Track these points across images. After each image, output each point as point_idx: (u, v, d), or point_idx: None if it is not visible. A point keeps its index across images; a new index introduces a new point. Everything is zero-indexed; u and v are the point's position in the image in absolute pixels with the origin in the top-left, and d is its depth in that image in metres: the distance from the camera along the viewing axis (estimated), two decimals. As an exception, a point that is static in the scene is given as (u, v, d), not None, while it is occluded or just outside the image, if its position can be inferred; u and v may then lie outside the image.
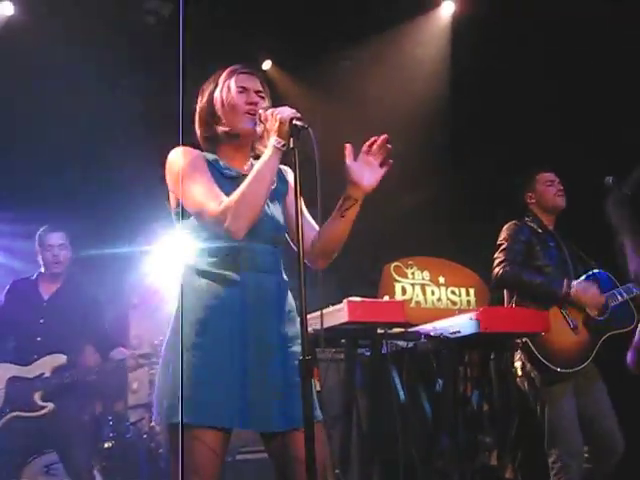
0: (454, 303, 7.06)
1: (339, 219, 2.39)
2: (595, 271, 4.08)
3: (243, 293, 2.31)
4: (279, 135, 2.29)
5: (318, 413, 2.34)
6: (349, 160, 2.35)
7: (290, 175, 2.55)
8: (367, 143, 2.37)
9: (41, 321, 4.44)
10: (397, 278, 6.79)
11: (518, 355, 3.94)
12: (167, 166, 2.41)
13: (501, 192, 5.07)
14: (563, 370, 3.78)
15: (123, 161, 5.65)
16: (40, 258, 4.61)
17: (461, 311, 4.24)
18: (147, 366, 4.55)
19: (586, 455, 3.82)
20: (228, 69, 2.52)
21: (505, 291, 4.15)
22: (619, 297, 3.99)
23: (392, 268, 6.80)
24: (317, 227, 2.48)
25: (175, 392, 2.20)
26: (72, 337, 4.43)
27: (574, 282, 3.90)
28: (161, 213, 5.50)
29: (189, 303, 2.33)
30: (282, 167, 2.52)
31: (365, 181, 2.34)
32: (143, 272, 6.15)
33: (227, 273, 2.33)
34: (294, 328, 2.36)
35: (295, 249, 2.27)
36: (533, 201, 4.24)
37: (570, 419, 3.78)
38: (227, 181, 2.39)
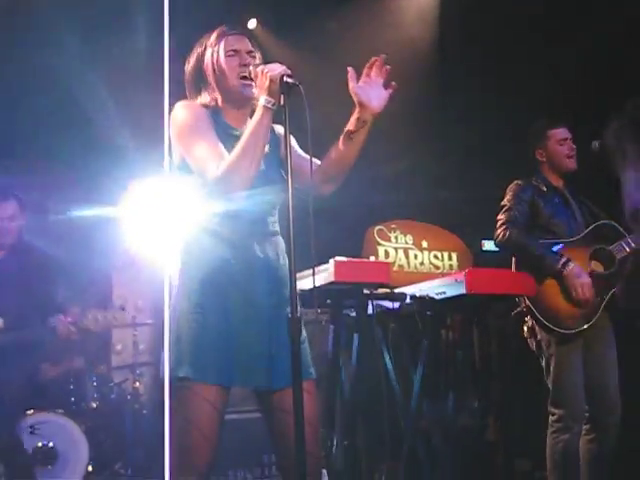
0: (437, 267, 7.09)
1: (347, 141, 2.38)
2: (602, 222, 3.94)
3: (246, 253, 2.33)
4: (269, 93, 2.27)
5: (312, 371, 2.39)
6: (352, 83, 2.33)
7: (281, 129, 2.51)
8: (367, 65, 2.36)
9: None
10: (380, 242, 6.80)
11: (527, 316, 3.89)
12: (171, 119, 2.39)
13: (489, 159, 5.07)
14: (567, 331, 3.71)
15: (105, 119, 5.57)
16: None
17: (445, 274, 4.23)
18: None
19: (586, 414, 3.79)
20: (216, 31, 2.47)
21: None
22: (627, 248, 3.83)
23: (375, 231, 6.80)
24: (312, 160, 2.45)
25: (177, 349, 2.27)
26: (13, 303, 4.31)
27: (571, 263, 3.75)
28: (144, 172, 5.50)
29: (193, 260, 2.36)
30: (275, 126, 2.49)
31: (373, 101, 2.34)
32: (124, 234, 6.13)
33: (231, 234, 2.35)
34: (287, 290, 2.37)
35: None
36: (543, 159, 4.07)
37: (576, 381, 3.72)
38: (231, 139, 2.37)
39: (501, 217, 3.93)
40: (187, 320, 2.30)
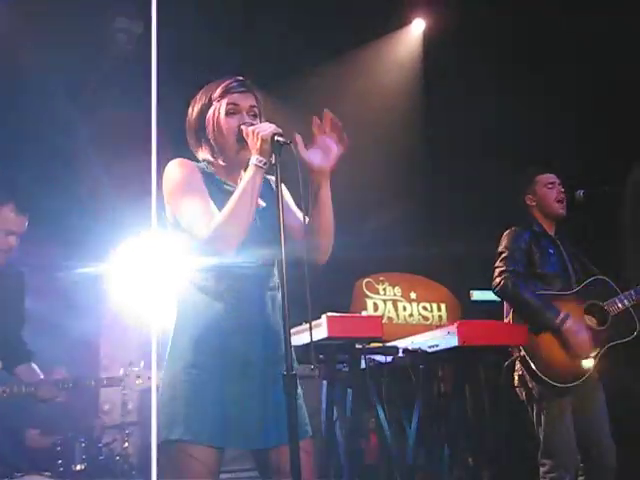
0: (426, 318, 7.10)
1: (315, 206, 2.38)
2: (595, 277, 3.95)
3: (238, 312, 2.31)
4: (260, 153, 2.28)
5: (308, 429, 2.36)
6: (300, 149, 2.32)
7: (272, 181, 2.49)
8: (315, 126, 2.36)
9: None
10: (369, 294, 6.82)
11: (517, 365, 3.87)
12: (164, 177, 2.39)
13: (475, 208, 5.11)
14: (560, 385, 3.70)
15: (94, 177, 5.60)
16: None
17: (437, 326, 4.23)
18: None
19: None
20: (222, 85, 2.46)
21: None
22: (619, 304, 3.85)
23: (364, 284, 6.82)
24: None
25: (170, 409, 2.23)
26: None
27: (570, 319, 3.75)
28: (133, 229, 5.50)
29: (186, 319, 2.34)
30: (270, 178, 2.49)
31: (318, 162, 2.34)
32: (112, 292, 6.10)
33: (223, 291, 2.33)
34: (283, 346, 2.34)
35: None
36: (533, 204, 4.09)
37: (567, 431, 3.70)
38: (225, 195, 2.36)
39: (499, 265, 3.92)
40: (181, 380, 2.27)
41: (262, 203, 2.40)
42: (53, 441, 5.43)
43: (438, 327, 3.97)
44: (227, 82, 2.47)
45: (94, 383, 4.10)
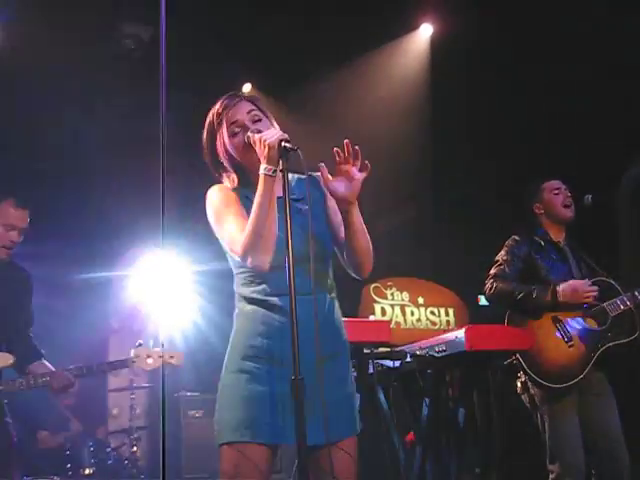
0: (434, 323, 7.09)
1: (347, 231, 2.45)
2: (600, 279, 3.92)
3: (284, 317, 2.35)
4: (268, 161, 2.31)
5: (354, 426, 2.43)
6: (325, 179, 2.39)
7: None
8: (337, 160, 2.40)
9: None
10: (377, 299, 6.81)
11: (520, 372, 3.88)
12: (206, 205, 2.51)
13: (483, 211, 5.11)
14: (557, 386, 3.70)
15: (104, 186, 5.63)
16: None
17: (445, 331, 4.23)
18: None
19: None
20: (216, 107, 2.52)
21: None
22: (621, 305, 3.82)
23: (371, 289, 6.81)
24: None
25: (223, 414, 2.36)
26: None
27: (559, 287, 3.78)
28: (140, 238, 5.52)
29: (241, 327, 2.45)
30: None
31: (346, 192, 2.38)
32: (122, 297, 6.12)
33: (269, 299, 2.40)
34: (334, 346, 2.44)
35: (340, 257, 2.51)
36: (541, 212, 4.09)
37: (572, 435, 3.69)
38: None
39: (492, 271, 3.96)
40: (231, 385, 2.38)
41: (302, 206, 2.43)
42: (62, 440, 5.46)
43: (445, 332, 3.97)
44: (220, 103, 2.53)
45: (107, 366, 4.13)
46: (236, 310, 2.50)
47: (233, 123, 2.48)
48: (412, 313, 6.95)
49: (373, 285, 6.76)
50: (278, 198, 2.36)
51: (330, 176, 2.39)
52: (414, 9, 6.10)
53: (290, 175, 2.50)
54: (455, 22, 5.94)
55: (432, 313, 7.06)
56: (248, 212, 2.38)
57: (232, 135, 2.48)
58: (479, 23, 5.56)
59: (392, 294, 6.88)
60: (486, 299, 4.00)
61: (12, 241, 3.88)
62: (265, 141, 2.31)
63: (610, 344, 3.80)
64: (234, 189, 2.52)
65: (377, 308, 6.81)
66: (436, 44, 6.35)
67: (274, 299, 2.39)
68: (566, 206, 4.05)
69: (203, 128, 2.58)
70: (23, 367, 3.87)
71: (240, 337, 2.44)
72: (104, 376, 5.88)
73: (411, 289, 6.91)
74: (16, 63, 5.31)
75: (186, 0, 4.66)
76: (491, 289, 3.89)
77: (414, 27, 6.38)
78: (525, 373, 3.79)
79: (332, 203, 2.51)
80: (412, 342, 4.16)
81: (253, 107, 2.52)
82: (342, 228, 2.48)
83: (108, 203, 5.71)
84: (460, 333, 3.73)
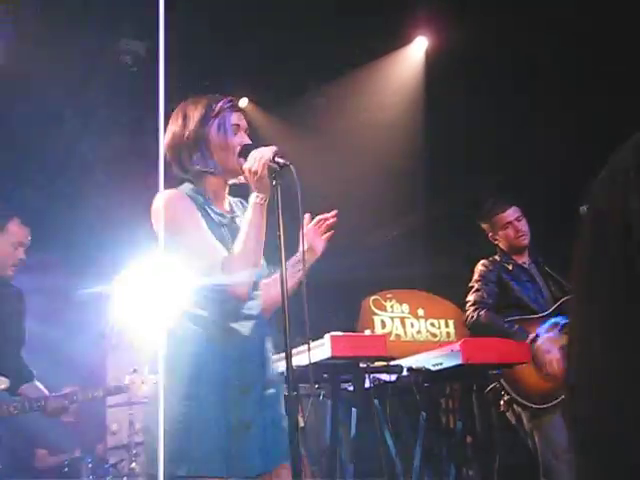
0: (434, 335, 7.08)
1: (291, 277, 2.40)
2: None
3: (230, 342, 2.32)
4: (259, 190, 2.33)
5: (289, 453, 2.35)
6: (306, 228, 2.53)
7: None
8: (316, 221, 2.63)
9: None
10: (376, 311, 6.80)
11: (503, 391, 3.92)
12: (154, 214, 2.36)
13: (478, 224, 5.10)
14: (539, 406, 3.78)
15: (100, 200, 5.63)
16: None
17: (442, 344, 4.24)
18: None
19: None
20: (222, 101, 2.50)
21: None
22: None
23: (371, 302, 6.81)
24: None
25: (173, 444, 2.18)
26: None
27: (540, 338, 3.84)
28: (138, 252, 5.52)
29: (180, 348, 2.30)
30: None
31: (319, 247, 2.58)
32: (120, 314, 6.11)
33: (217, 320, 2.33)
34: (270, 370, 2.41)
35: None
36: (496, 242, 4.25)
37: (563, 450, 3.69)
38: (217, 226, 2.42)
39: (469, 298, 4.06)
40: (180, 413, 2.23)
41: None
42: (61, 460, 5.45)
43: (441, 345, 3.98)
44: (224, 100, 2.52)
45: (102, 393, 4.09)
46: (173, 328, 2.35)
47: (235, 124, 2.48)
48: (412, 325, 6.93)
49: (372, 297, 6.75)
50: (224, 216, 2.44)
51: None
52: (409, 22, 6.12)
53: (232, 198, 2.56)
54: (450, 35, 5.96)
55: (432, 325, 7.05)
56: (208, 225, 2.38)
57: (234, 131, 2.47)
58: (474, 36, 5.58)
59: (392, 306, 6.87)
60: (467, 327, 4.10)
61: (20, 259, 3.93)
62: (255, 172, 2.31)
63: None
64: (191, 201, 2.42)
65: (377, 321, 6.80)
66: (431, 57, 6.37)
67: (222, 322, 2.33)
68: (519, 237, 4.14)
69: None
70: (15, 388, 3.85)
71: (191, 360, 2.28)
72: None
73: (411, 301, 6.90)
74: (14, 79, 5.33)
75: (183, 16, 4.68)
76: (472, 318, 3.99)
77: (409, 40, 6.40)
78: (508, 394, 3.85)
79: None
80: (412, 355, 4.15)
81: (247, 126, 2.56)
82: None
83: (105, 217, 5.71)
84: (456, 346, 3.72)
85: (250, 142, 2.49)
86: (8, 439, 3.99)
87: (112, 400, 6.16)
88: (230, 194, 2.58)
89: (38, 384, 3.92)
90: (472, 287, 4.09)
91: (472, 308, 4.00)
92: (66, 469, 5.32)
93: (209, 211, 2.44)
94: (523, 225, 4.17)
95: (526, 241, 4.15)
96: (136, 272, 5.69)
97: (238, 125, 2.49)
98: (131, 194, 5.52)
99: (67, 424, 5.80)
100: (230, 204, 2.51)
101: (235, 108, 2.53)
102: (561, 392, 3.74)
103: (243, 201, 2.56)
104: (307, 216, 2.58)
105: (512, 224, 4.16)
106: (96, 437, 6.08)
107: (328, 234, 2.65)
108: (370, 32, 5.75)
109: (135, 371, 4.04)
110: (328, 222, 2.65)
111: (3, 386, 3.74)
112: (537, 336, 3.82)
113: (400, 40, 6.38)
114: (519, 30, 5.47)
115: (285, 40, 5.73)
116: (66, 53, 5.23)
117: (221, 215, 2.47)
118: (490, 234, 4.26)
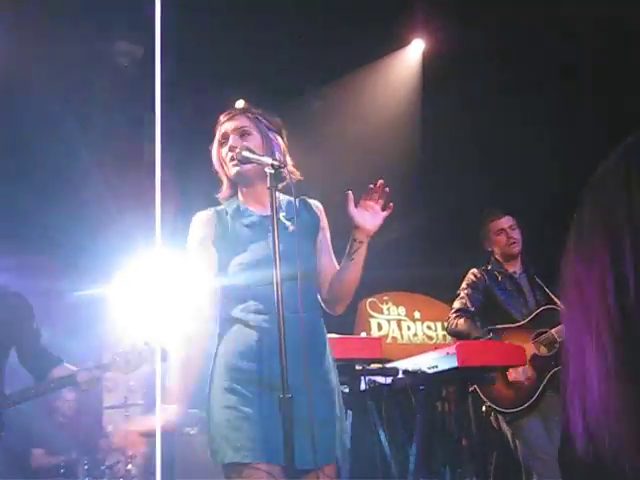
0: (430, 338, 7.10)
1: (349, 262, 2.49)
2: (548, 306, 4.07)
3: (270, 337, 2.32)
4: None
5: (338, 453, 2.39)
6: (350, 206, 2.47)
7: (321, 211, 2.64)
8: (366, 193, 2.51)
9: None
10: (372, 314, 6.82)
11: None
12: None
13: (473, 227, 5.11)
14: (510, 410, 3.89)
15: (96, 202, 5.64)
16: None
17: (438, 346, 4.25)
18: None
19: None
20: (220, 119, 2.59)
21: None
22: None
23: (367, 304, 6.83)
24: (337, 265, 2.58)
25: (215, 435, 2.32)
26: None
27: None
28: (135, 254, 5.52)
29: (224, 348, 2.42)
30: (310, 201, 2.64)
31: (367, 224, 2.47)
32: (116, 314, 6.12)
33: (255, 318, 2.39)
34: (323, 365, 2.45)
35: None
36: (490, 249, 4.31)
37: (540, 450, 3.80)
38: (247, 229, 2.48)
39: (454, 305, 4.18)
40: (222, 406, 2.34)
41: (290, 226, 2.46)
42: (57, 461, 5.44)
43: (437, 348, 3.99)
44: (221, 116, 2.59)
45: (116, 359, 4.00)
46: (218, 330, 2.48)
47: (223, 136, 2.54)
48: (408, 328, 6.95)
49: (369, 300, 6.78)
50: (265, 217, 2.40)
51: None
52: (406, 25, 6.13)
53: (282, 195, 2.55)
54: (447, 38, 5.97)
55: (429, 328, 7.07)
56: (234, 232, 2.46)
57: (220, 145, 2.55)
58: (471, 39, 5.59)
59: (388, 309, 6.89)
60: (447, 333, 4.24)
61: None
62: None
63: (556, 369, 3.91)
64: (218, 211, 2.55)
65: (373, 323, 6.82)
66: (428, 59, 6.38)
67: (260, 318, 2.38)
68: (511, 244, 4.20)
69: (196, 143, 2.67)
70: (44, 375, 3.77)
71: (228, 359, 2.39)
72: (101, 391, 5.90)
73: (407, 304, 6.93)
74: (10, 81, 5.33)
75: (180, 18, 4.68)
76: (451, 325, 4.12)
77: (406, 43, 6.42)
78: (482, 400, 3.98)
79: (322, 236, 2.59)
80: (408, 357, 4.17)
81: (245, 124, 2.54)
82: (325, 257, 2.56)
83: (102, 219, 5.71)
84: (451, 349, 3.73)
85: (237, 144, 2.49)
86: (5, 438, 3.98)
87: (108, 401, 6.18)
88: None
89: (68, 365, 3.90)
90: (458, 294, 4.20)
91: (454, 315, 4.12)
92: (62, 470, 5.32)
93: (238, 217, 2.51)
94: (516, 234, 4.23)
95: (517, 249, 4.21)
96: (131, 275, 5.70)
97: (225, 133, 2.53)
98: (127, 196, 5.53)
99: (63, 425, 5.81)
100: (275, 202, 2.37)
101: (223, 120, 2.57)
102: (528, 399, 3.90)
103: (291, 199, 2.53)
104: (349, 194, 2.48)
105: (505, 231, 4.23)
106: (92, 438, 6.07)
107: (388, 207, 2.53)
108: (367, 35, 5.76)
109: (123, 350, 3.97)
110: (379, 190, 2.51)
111: None
112: None
113: (397, 43, 6.40)
114: (515, 33, 5.49)
115: (283, 42, 5.74)
116: (63, 55, 5.23)
117: (254, 216, 2.52)
118: (484, 241, 4.31)
